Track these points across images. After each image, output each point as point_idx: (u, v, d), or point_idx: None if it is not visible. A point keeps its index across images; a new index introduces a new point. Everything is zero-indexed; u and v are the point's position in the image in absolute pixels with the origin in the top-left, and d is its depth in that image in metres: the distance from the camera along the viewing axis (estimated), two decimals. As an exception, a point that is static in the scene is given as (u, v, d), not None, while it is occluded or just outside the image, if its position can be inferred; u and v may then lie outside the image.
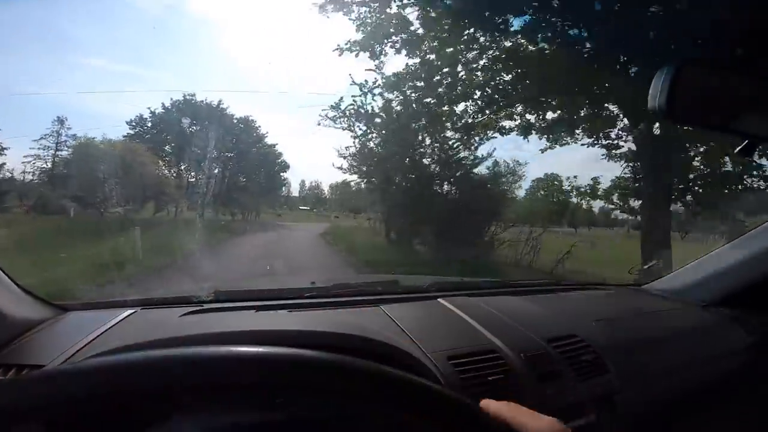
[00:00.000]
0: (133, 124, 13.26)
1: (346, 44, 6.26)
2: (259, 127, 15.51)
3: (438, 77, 6.07)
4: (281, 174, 17.48)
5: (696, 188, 5.14)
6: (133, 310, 0.87)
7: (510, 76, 6.04)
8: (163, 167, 12.49)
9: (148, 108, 13.38)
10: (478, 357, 0.74)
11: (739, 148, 0.52)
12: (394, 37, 5.80)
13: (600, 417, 0.77)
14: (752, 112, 0.50)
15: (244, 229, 12.48)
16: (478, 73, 6.09)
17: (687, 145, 5.00)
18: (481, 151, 7.50)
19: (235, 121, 14.68)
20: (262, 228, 13.63)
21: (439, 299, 1.01)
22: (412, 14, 5.70)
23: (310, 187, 54.63)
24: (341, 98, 7.01)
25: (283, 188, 20.05)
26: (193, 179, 12.66)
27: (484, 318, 0.90)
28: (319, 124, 7.19)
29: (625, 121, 5.59)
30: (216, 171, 13.07)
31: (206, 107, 13.72)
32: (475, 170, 7.65)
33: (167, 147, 13.37)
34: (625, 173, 6.25)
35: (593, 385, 0.81)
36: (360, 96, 6.79)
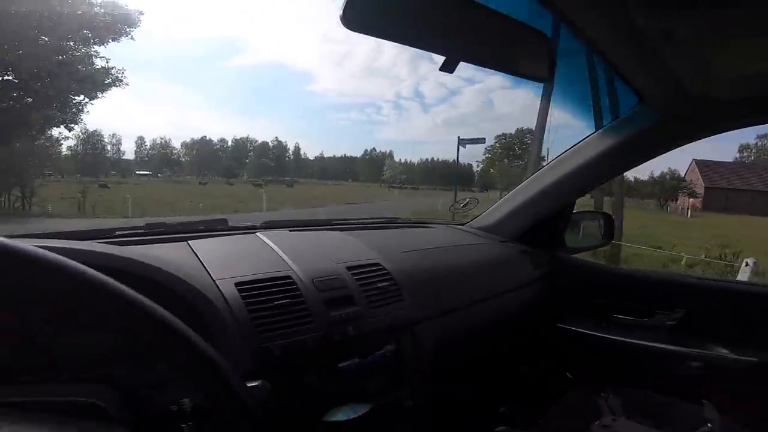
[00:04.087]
0: None
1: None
2: None
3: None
4: (88, 54, 7.85)
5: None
6: None
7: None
8: None
9: None
10: (269, 282, 0.79)
11: (441, 64, 0.58)
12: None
13: (400, 347, 0.88)
14: (446, 30, 0.56)
15: None
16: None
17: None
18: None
19: None
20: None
21: (257, 233, 1.04)
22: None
23: (153, 146, 47.61)
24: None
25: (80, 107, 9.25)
26: None
27: (292, 249, 0.94)
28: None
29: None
30: None
31: None
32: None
33: None
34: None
35: (387, 312, 0.89)
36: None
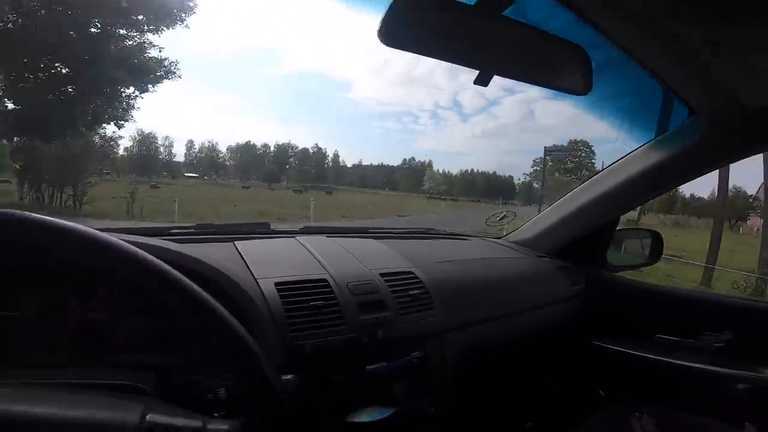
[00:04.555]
0: None
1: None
2: None
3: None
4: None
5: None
6: None
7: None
8: None
9: None
10: (306, 284, 0.83)
11: (475, 78, 0.61)
12: None
13: (428, 353, 0.92)
14: (480, 45, 0.60)
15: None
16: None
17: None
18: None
19: None
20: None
21: (296, 237, 1.11)
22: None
23: (201, 149, 50.44)
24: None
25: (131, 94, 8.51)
26: None
27: (329, 253, 1.00)
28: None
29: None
30: None
31: None
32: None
33: None
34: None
35: (418, 319, 0.92)
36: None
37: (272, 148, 51.64)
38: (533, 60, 0.63)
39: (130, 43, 7.96)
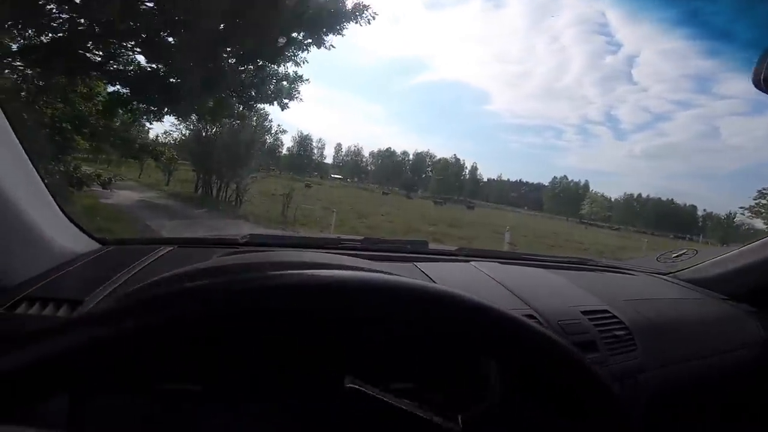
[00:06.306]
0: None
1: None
2: None
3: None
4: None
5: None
6: (171, 247, 0.99)
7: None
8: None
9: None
10: None
11: None
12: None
13: (623, 392, 0.92)
14: None
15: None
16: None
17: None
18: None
19: None
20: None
21: (471, 262, 1.14)
22: None
23: (347, 153, 54.34)
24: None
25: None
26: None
27: (517, 284, 1.02)
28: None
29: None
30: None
31: None
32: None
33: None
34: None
35: (622, 361, 0.95)
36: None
37: (411, 156, 52.54)
38: None
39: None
